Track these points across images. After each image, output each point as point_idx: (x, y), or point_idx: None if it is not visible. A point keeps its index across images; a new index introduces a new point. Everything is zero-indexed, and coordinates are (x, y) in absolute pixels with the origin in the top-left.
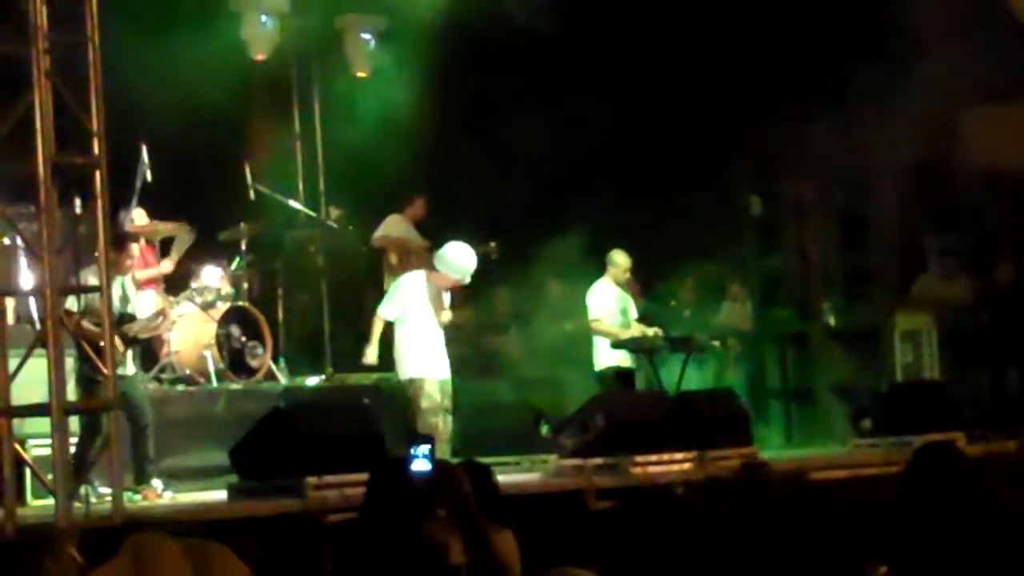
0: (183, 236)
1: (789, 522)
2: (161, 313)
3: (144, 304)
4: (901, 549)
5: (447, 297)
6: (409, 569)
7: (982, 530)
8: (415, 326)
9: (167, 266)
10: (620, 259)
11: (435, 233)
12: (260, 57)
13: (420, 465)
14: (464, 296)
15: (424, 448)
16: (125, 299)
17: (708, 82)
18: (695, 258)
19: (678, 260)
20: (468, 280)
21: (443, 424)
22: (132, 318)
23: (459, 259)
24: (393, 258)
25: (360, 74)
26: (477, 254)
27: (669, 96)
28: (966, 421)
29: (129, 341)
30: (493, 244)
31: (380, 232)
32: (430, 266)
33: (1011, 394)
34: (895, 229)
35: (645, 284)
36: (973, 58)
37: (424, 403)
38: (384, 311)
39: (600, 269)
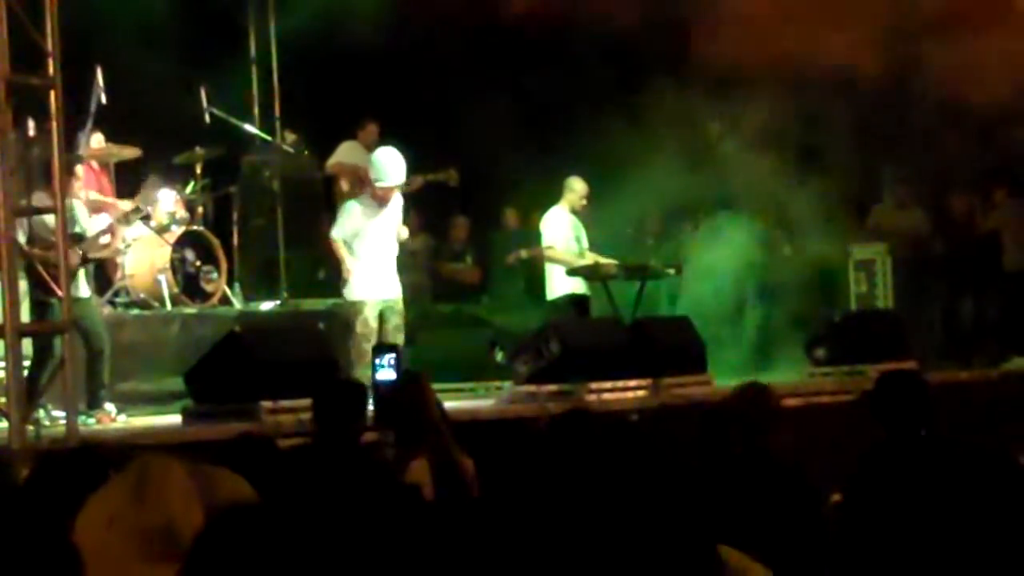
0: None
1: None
2: (109, 230)
3: (96, 227)
4: (860, 476)
5: (396, 215)
6: (362, 490)
7: (944, 458)
8: (359, 249)
9: (126, 204)
10: (577, 185)
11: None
12: None
13: (385, 375)
14: (421, 222)
15: (389, 358)
16: (73, 221)
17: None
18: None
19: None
20: (398, 185)
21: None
22: (81, 238)
23: (385, 162)
24: (344, 184)
25: None
26: (436, 180)
27: (629, 36)
28: (919, 350)
29: (80, 261)
30: (452, 171)
31: (333, 159)
32: None
33: (963, 324)
34: (851, 158)
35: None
36: None
37: (359, 327)
38: (334, 232)
39: (554, 198)
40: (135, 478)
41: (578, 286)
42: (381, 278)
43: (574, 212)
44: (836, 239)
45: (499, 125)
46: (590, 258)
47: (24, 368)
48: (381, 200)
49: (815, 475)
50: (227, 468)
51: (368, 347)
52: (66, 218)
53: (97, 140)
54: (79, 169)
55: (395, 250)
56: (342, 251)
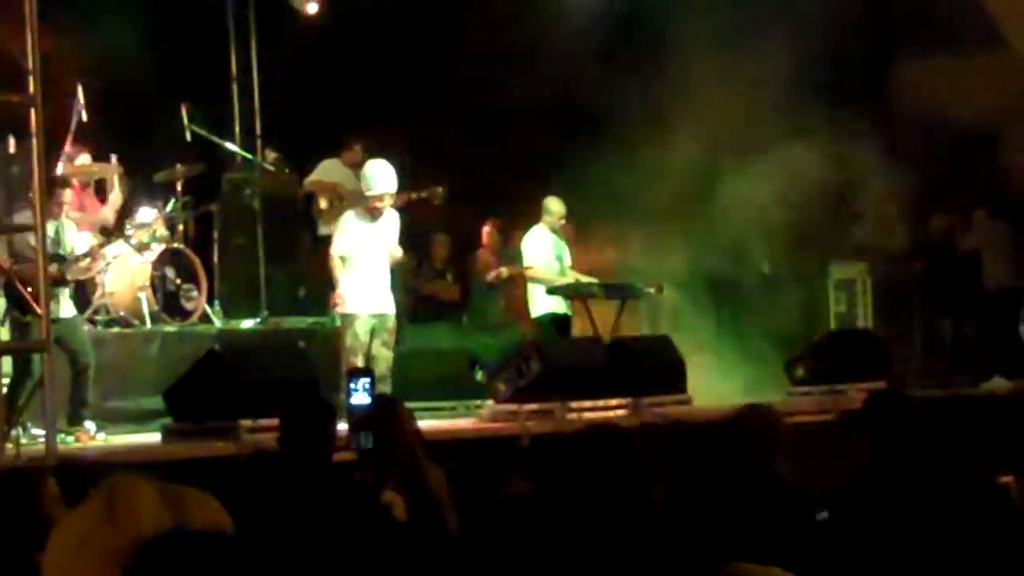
0: (119, 186)
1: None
2: (90, 254)
3: (80, 246)
4: (848, 496)
5: (391, 231)
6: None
7: (930, 481)
8: (353, 262)
9: (109, 215)
10: (554, 206)
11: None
12: None
13: (359, 399)
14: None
15: (364, 382)
16: (57, 241)
17: (645, 25)
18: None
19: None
20: (390, 194)
21: (372, 363)
22: (62, 259)
23: (375, 172)
24: (323, 202)
25: (308, 11)
26: (422, 198)
27: (611, 48)
28: (899, 370)
29: (60, 282)
30: (439, 188)
31: (312, 176)
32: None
33: (944, 344)
34: (832, 177)
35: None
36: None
37: (348, 340)
38: (333, 249)
39: (536, 217)
40: (105, 498)
41: (559, 305)
42: (374, 292)
43: (554, 231)
44: (816, 258)
45: (482, 144)
46: (571, 277)
47: (3, 386)
48: (373, 211)
49: (798, 494)
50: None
51: (356, 361)
52: (51, 237)
53: (83, 158)
54: (66, 193)
55: (387, 265)
56: (336, 267)
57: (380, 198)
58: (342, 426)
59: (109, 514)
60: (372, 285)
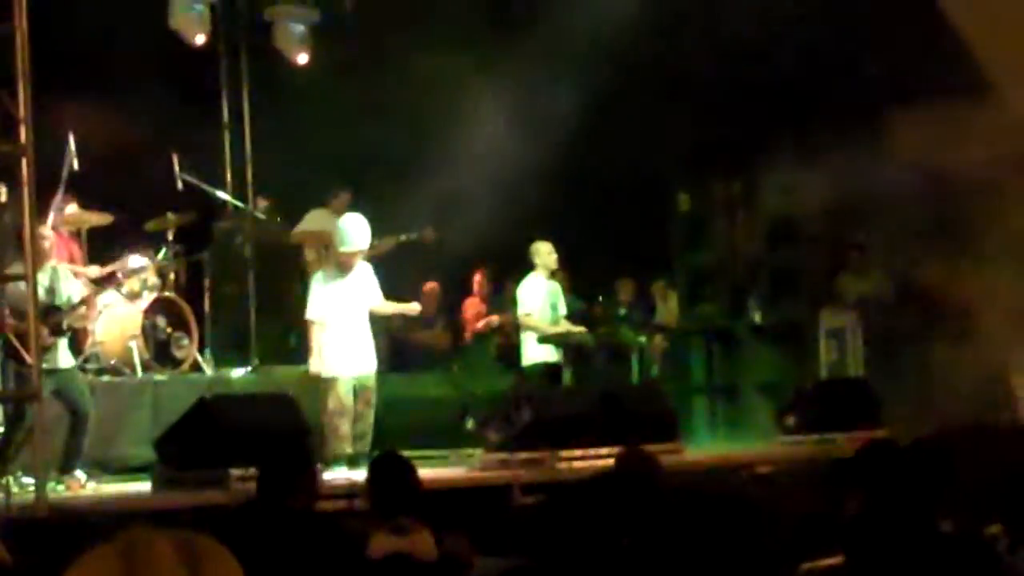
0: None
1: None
2: (85, 302)
3: (75, 294)
4: (843, 545)
5: (367, 285)
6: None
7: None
8: (330, 322)
9: (94, 271)
10: (543, 248)
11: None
12: (190, 45)
13: None
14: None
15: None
16: (52, 291)
17: (637, 79)
18: (624, 255)
19: (607, 257)
20: (360, 251)
21: (352, 425)
22: (58, 309)
23: (348, 228)
24: (310, 253)
25: (298, 61)
26: (411, 241)
27: (600, 93)
28: (889, 419)
29: (57, 331)
30: (428, 229)
31: (299, 227)
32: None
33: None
34: (821, 227)
35: (578, 281)
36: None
37: (331, 403)
38: (308, 315)
39: (529, 264)
40: (122, 554)
41: (551, 354)
42: (354, 352)
43: (552, 277)
44: (806, 307)
45: (472, 188)
46: (563, 326)
47: None
48: (344, 267)
49: (786, 541)
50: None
51: (341, 423)
52: (45, 287)
53: (71, 208)
54: (47, 242)
55: (366, 321)
56: (313, 332)
57: (352, 254)
58: (334, 474)
59: (129, 569)
60: (351, 345)
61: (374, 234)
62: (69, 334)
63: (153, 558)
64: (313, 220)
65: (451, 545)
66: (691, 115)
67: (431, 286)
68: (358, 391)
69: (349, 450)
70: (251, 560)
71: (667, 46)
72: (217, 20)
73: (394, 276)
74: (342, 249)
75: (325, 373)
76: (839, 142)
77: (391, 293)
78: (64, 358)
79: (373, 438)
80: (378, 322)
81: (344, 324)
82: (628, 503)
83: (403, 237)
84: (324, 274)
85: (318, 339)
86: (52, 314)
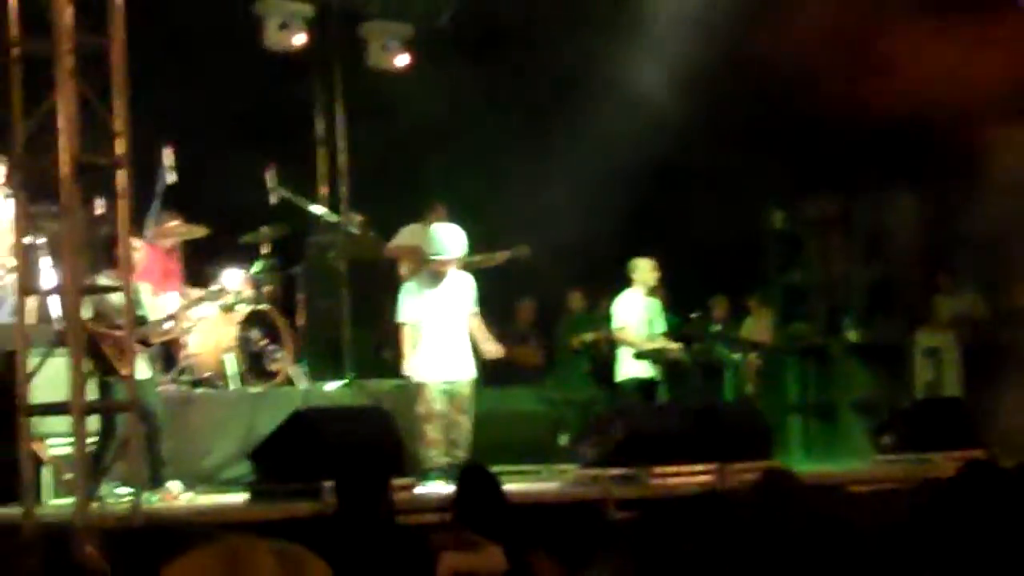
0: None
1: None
2: (173, 317)
3: (164, 307)
4: (940, 562)
5: (463, 294)
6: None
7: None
8: (422, 328)
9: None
10: (644, 265)
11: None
12: (284, 60)
13: None
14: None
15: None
16: (137, 304)
17: (735, 96)
18: (718, 272)
19: (703, 273)
20: (455, 259)
21: (445, 431)
22: (143, 321)
23: (441, 236)
24: (404, 268)
25: (392, 75)
26: (504, 259)
27: (698, 109)
28: (987, 439)
29: (142, 343)
30: (523, 246)
31: (393, 241)
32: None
33: None
34: (917, 245)
35: (672, 298)
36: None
37: (420, 408)
38: (398, 317)
39: (625, 281)
40: (224, 559)
41: (646, 370)
42: (446, 359)
43: (651, 294)
44: (902, 326)
45: (568, 203)
46: (658, 342)
47: (89, 446)
48: (437, 275)
49: (882, 562)
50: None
51: (430, 429)
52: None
53: (167, 220)
54: (137, 253)
55: (461, 328)
56: (405, 335)
57: (445, 262)
58: (427, 488)
59: (230, 574)
60: (442, 351)
61: (470, 251)
62: (151, 348)
63: (255, 563)
64: (408, 235)
65: (530, 561)
66: (788, 133)
67: (526, 303)
68: (452, 396)
69: (441, 459)
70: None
71: (765, 63)
72: (311, 35)
73: (488, 292)
74: (434, 257)
75: (414, 378)
76: (934, 161)
77: (484, 309)
78: (141, 369)
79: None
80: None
81: (435, 330)
82: (769, 521)
83: (498, 255)
84: (417, 281)
85: (409, 344)
86: (138, 325)
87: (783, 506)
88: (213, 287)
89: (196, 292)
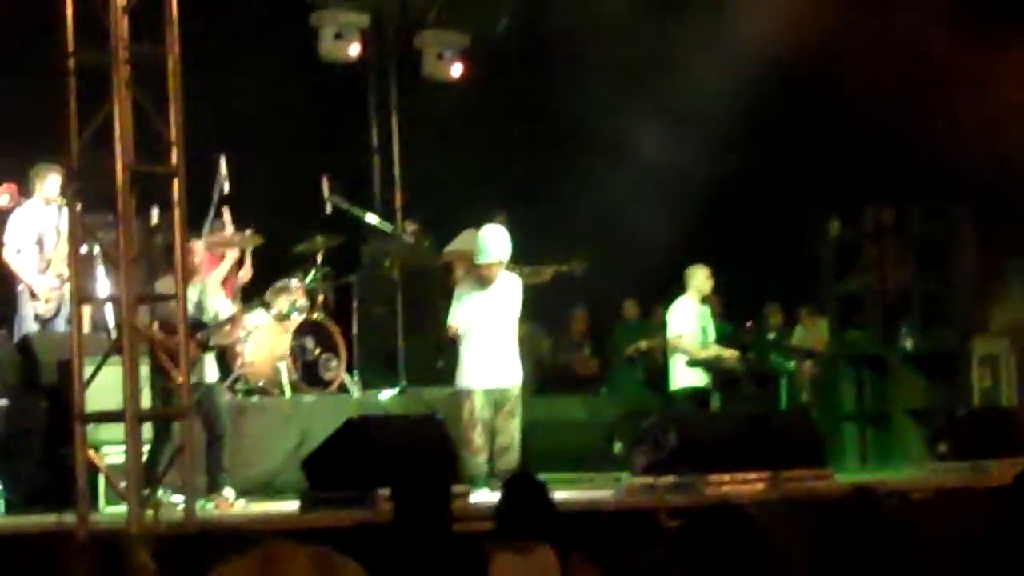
0: (249, 260)
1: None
2: (232, 319)
3: (223, 312)
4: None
5: (511, 299)
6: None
7: None
8: (469, 334)
9: (246, 273)
10: (700, 272)
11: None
12: (339, 70)
13: None
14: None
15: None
16: (200, 307)
17: (791, 105)
18: (773, 280)
19: (757, 281)
20: (500, 262)
21: (492, 438)
22: (205, 325)
23: (487, 239)
24: (459, 272)
25: (448, 84)
26: (561, 272)
27: (754, 118)
28: None
29: (203, 347)
30: (578, 259)
31: (450, 246)
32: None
33: None
34: (974, 253)
35: (727, 306)
36: None
37: (464, 415)
38: (449, 320)
39: (679, 289)
40: (259, 563)
41: (700, 378)
42: (492, 365)
43: (703, 301)
44: (958, 334)
45: (624, 212)
46: (713, 350)
47: (144, 452)
48: (484, 279)
49: (939, 569)
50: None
51: (475, 435)
52: (194, 302)
53: (222, 228)
54: (197, 257)
55: (508, 333)
56: (458, 337)
57: (491, 265)
58: (478, 495)
59: None
60: (489, 357)
61: (527, 261)
62: (215, 351)
63: (291, 569)
64: (462, 240)
65: (578, 571)
66: (843, 141)
67: (579, 312)
68: (498, 403)
69: (484, 466)
70: None
71: (821, 73)
72: (366, 45)
73: (542, 300)
74: (481, 260)
75: (460, 385)
76: (986, 168)
77: (539, 317)
78: (209, 373)
79: (521, 461)
80: (525, 345)
81: (481, 336)
82: (851, 537)
83: (552, 269)
84: (465, 284)
85: (458, 353)
86: (200, 329)
87: (872, 523)
88: (268, 296)
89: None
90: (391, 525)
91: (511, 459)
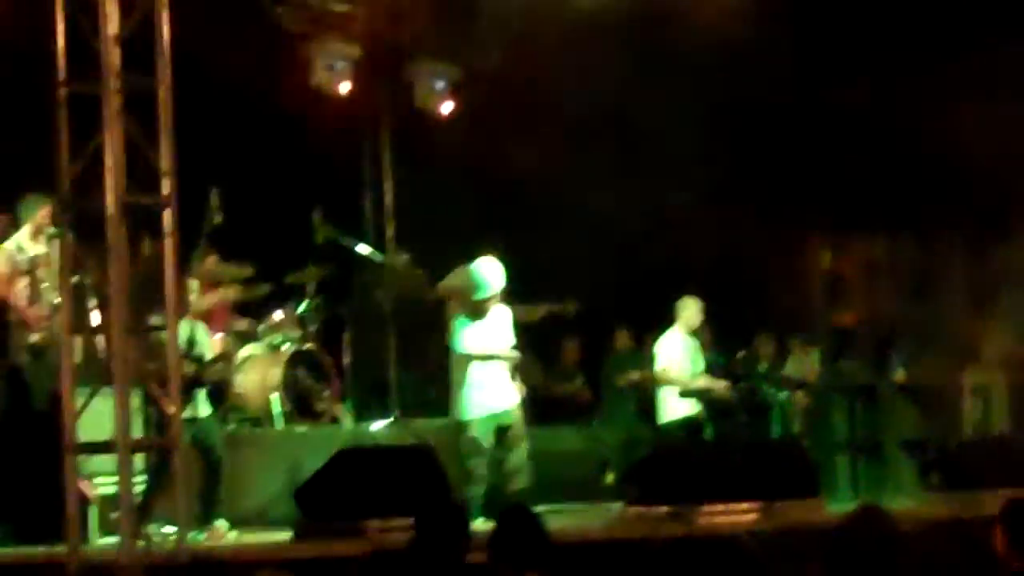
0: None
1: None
2: (223, 357)
3: (215, 346)
4: None
5: (503, 331)
6: None
7: None
8: (464, 366)
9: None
10: (691, 304)
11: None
12: (331, 102)
13: None
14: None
15: None
16: (192, 342)
17: (781, 134)
18: (764, 310)
19: (749, 312)
20: (493, 296)
21: (500, 463)
22: (199, 360)
23: (480, 273)
24: (454, 308)
25: (439, 117)
26: (554, 312)
27: (742, 147)
28: None
29: (197, 382)
30: (570, 303)
31: (445, 281)
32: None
33: None
34: (964, 283)
35: (719, 337)
36: None
37: (463, 446)
38: (456, 349)
39: (668, 321)
40: None
41: (691, 408)
42: (490, 393)
43: (692, 334)
44: (949, 365)
45: (613, 244)
46: (703, 381)
47: (136, 483)
48: (480, 312)
49: None
50: None
51: (477, 465)
52: (186, 337)
53: (210, 261)
54: (192, 295)
55: (505, 363)
56: (455, 368)
57: (487, 300)
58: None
59: None
60: (487, 386)
61: (519, 298)
62: (208, 386)
63: None
64: (459, 276)
65: None
66: (833, 172)
67: (571, 342)
68: (500, 429)
69: (481, 497)
70: None
71: (812, 100)
72: (358, 76)
73: (534, 331)
74: (477, 296)
75: (458, 415)
76: (980, 199)
77: (531, 348)
78: (203, 408)
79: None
80: (517, 376)
81: (478, 366)
82: (861, 555)
83: (546, 309)
84: (460, 317)
85: (453, 385)
86: (192, 364)
87: (881, 540)
88: (260, 327)
89: (241, 323)
90: (406, 553)
91: (523, 480)
